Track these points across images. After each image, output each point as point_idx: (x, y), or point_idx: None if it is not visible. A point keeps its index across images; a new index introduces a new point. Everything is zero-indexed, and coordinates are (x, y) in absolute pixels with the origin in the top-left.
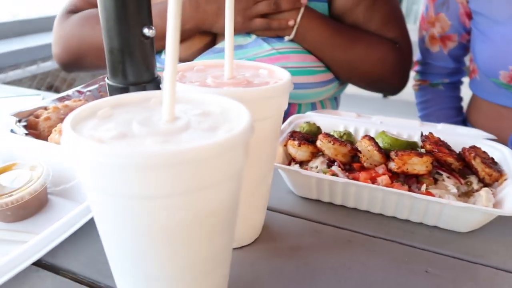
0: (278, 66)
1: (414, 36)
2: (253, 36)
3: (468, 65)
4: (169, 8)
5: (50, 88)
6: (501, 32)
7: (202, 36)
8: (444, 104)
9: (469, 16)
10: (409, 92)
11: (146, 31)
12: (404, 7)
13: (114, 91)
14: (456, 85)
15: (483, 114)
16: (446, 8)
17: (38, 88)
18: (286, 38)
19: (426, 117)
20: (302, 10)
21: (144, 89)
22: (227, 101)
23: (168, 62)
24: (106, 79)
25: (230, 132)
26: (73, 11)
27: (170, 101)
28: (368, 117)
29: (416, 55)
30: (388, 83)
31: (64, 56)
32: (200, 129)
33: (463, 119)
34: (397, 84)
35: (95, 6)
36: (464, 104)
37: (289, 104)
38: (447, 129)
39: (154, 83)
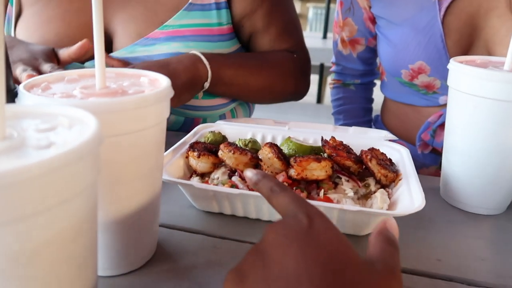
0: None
1: None
2: None
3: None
4: None
5: None
6: (399, 34)
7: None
8: (353, 103)
9: (373, 21)
10: None
11: None
12: None
13: None
14: (368, 86)
15: (393, 115)
16: (352, 13)
17: None
18: (206, 85)
19: (337, 114)
20: (202, 57)
21: None
22: (79, 114)
23: None
24: None
25: (60, 149)
26: None
27: None
28: (284, 123)
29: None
30: (292, 94)
31: None
32: (36, 147)
33: (369, 120)
34: (300, 91)
35: None
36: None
37: (193, 119)
38: (358, 132)
39: (9, 95)
